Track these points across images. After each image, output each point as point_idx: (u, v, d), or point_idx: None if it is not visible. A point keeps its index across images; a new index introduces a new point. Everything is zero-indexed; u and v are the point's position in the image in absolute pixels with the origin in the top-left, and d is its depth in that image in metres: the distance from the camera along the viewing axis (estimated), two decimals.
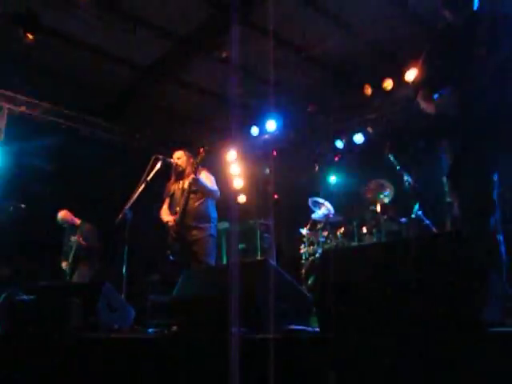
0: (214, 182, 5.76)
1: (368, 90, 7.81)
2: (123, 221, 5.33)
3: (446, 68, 3.36)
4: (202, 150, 5.45)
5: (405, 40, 6.94)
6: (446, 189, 3.49)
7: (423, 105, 3.51)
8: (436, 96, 3.40)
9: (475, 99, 3.12)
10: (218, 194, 5.69)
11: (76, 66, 7.70)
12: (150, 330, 3.89)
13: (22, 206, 7.71)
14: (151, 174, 5.39)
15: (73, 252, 7.34)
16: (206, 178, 5.64)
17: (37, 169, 7.98)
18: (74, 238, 7.37)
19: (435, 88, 3.42)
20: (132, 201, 5.31)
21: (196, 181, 5.39)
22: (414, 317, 2.29)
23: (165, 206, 5.72)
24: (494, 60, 3.13)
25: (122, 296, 4.81)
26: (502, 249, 3.10)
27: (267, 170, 9.41)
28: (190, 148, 5.95)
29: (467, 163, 3.16)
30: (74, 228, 7.61)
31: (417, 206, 6.44)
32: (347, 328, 2.46)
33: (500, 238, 3.13)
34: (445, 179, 3.43)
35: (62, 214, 7.64)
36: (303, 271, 7.13)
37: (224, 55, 7.37)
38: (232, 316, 3.02)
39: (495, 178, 3.17)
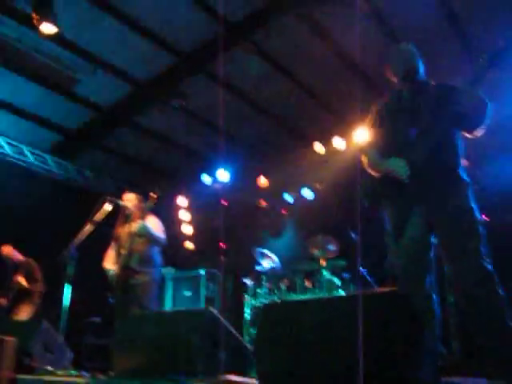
0: (161, 227, 5.76)
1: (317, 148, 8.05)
2: (67, 259, 5.25)
3: (391, 134, 3.52)
4: (151, 194, 5.47)
5: (351, 96, 7.24)
6: (388, 248, 3.61)
7: (368, 165, 3.65)
8: (380, 158, 3.55)
9: (419, 166, 3.27)
10: (164, 241, 5.69)
11: (34, 102, 7.67)
12: (85, 374, 3.81)
13: None
14: (99, 215, 5.35)
15: (13, 291, 7.14)
16: (154, 224, 5.63)
17: None
18: (15, 278, 7.18)
19: (380, 152, 3.57)
20: (78, 239, 5.25)
21: (143, 227, 5.39)
22: (349, 373, 2.34)
23: (110, 251, 5.66)
24: (439, 130, 3.31)
25: (61, 336, 4.70)
26: (437, 308, 3.22)
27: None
28: (141, 192, 5.96)
29: (406, 225, 3.29)
30: (16, 265, 7.42)
31: (360, 263, 6.57)
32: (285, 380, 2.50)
33: (435, 297, 3.25)
34: (387, 239, 3.55)
35: (6, 250, 7.47)
36: (246, 322, 7.11)
37: (182, 103, 7.47)
38: (170, 363, 3.01)
39: (432, 239, 3.32)
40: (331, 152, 8.26)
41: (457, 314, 4.94)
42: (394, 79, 3.66)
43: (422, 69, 3.60)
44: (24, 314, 7.13)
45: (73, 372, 3.90)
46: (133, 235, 5.40)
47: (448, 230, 3.19)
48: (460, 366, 4.56)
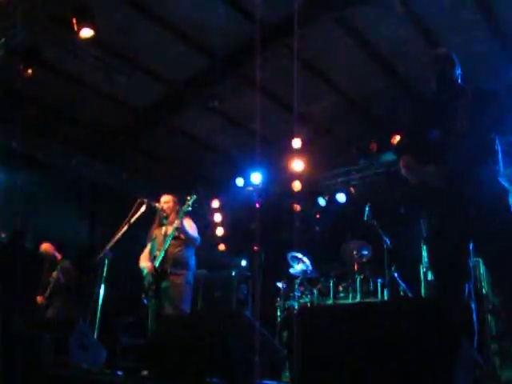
0: (196, 229, 5.80)
1: (373, 146, 7.99)
2: (102, 260, 5.34)
3: (429, 139, 3.48)
4: (188, 197, 5.53)
5: (392, 103, 7.21)
6: (424, 254, 3.57)
7: (404, 171, 3.62)
8: (417, 163, 3.51)
9: (457, 173, 3.23)
10: (199, 241, 5.73)
11: (71, 103, 7.80)
12: (119, 373, 3.85)
13: (2, 235, 7.66)
14: (134, 217, 5.43)
15: (50, 287, 7.27)
16: (189, 226, 5.68)
17: (22, 198, 7.97)
18: (53, 274, 7.30)
19: (415, 156, 3.54)
20: (113, 241, 5.33)
21: (180, 228, 5.43)
22: (383, 380, 2.32)
23: (146, 251, 5.73)
24: (476, 135, 3.26)
25: (95, 335, 4.77)
26: (474, 317, 3.17)
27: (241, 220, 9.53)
28: (177, 194, 6.01)
29: (445, 232, 3.25)
30: (54, 263, 7.55)
31: (393, 268, 6.52)
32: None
33: (473, 305, 3.20)
34: (422, 245, 3.52)
35: (45, 247, 7.60)
36: (278, 325, 7.11)
37: (216, 104, 7.52)
38: (205, 365, 3.03)
39: (470, 247, 3.27)
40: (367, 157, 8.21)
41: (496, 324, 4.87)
42: (433, 84, 3.63)
43: (458, 73, 3.56)
44: (60, 310, 7.24)
45: (107, 371, 3.95)
46: (168, 237, 5.45)
47: (489, 241, 3.14)
48: (498, 376, 4.51)
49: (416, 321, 2.39)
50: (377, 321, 2.50)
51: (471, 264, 3.28)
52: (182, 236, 5.57)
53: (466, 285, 3.21)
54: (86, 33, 5.87)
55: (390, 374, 2.30)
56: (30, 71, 6.15)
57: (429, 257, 3.43)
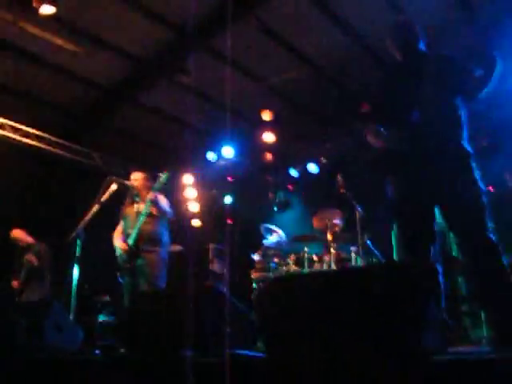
0: (168, 204, 5.80)
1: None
2: (75, 240, 5.31)
3: (394, 107, 3.51)
4: (161, 174, 5.51)
5: (360, 71, 7.22)
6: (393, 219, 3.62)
7: (370, 138, 3.65)
8: (382, 130, 3.54)
9: (421, 138, 3.27)
10: (171, 215, 5.74)
11: (36, 85, 7.66)
12: (97, 352, 3.88)
13: None
14: (105, 195, 5.40)
15: (25, 271, 7.22)
16: (162, 200, 5.68)
17: None
18: (26, 258, 7.25)
19: (381, 123, 3.57)
20: (85, 221, 5.30)
21: (153, 200, 5.42)
22: (353, 345, 2.37)
23: (118, 228, 5.71)
24: (440, 101, 3.30)
25: (71, 316, 4.77)
26: (441, 278, 3.24)
27: (213, 191, 9.51)
28: (148, 170, 5.98)
29: (410, 195, 3.30)
30: (26, 247, 7.49)
31: (366, 236, 6.61)
32: (289, 353, 2.53)
33: (439, 267, 3.27)
34: (391, 210, 3.56)
35: (16, 233, 7.53)
36: (254, 297, 7.18)
37: (184, 78, 7.44)
38: (179, 339, 3.06)
39: (435, 211, 3.33)
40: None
41: (466, 286, 4.98)
42: (396, 53, 3.64)
43: (421, 40, 3.58)
44: (35, 293, 7.22)
45: (84, 351, 3.97)
46: (141, 215, 5.44)
47: (452, 203, 3.20)
48: (468, 336, 4.63)
49: (384, 284, 2.43)
50: (346, 285, 2.55)
51: (437, 227, 3.34)
52: (155, 212, 5.57)
53: (432, 247, 3.28)
54: (47, 9, 5.74)
55: (360, 338, 2.34)
56: None
57: (395, 220, 3.47)
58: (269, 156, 8.95)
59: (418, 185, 3.28)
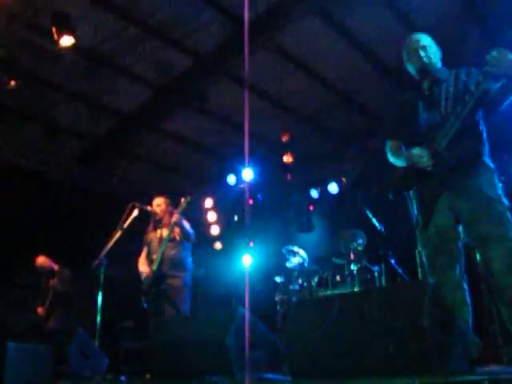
0: (190, 227, 5.83)
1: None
2: (98, 267, 5.35)
3: (413, 124, 3.50)
4: (183, 199, 5.54)
5: (377, 91, 7.23)
6: (417, 238, 3.58)
7: (391, 156, 3.64)
8: (404, 148, 3.53)
9: (442, 154, 3.24)
10: (194, 236, 5.76)
11: (55, 111, 7.78)
12: (123, 378, 3.87)
13: None
14: (127, 222, 5.44)
15: (50, 297, 7.28)
16: (185, 223, 5.71)
17: (10, 211, 7.97)
18: (51, 284, 7.31)
19: (401, 140, 3.56)
20: (108, 248, 5.34)
21: (178, 223, 5.45)
22: (383, 365, 2.34)
23: (143, 255, 5.74)
24: (459, 117, 3.27)
25: (96, 342, 4.78)
26: (467, 296, 3.19)
27: (235, 218, 9.52)
28: (169, 195, 6.01)
29: (432, 214, 3.27)
30: (51, 273, 7.55)
31: (389, 255, 6.56)
32: (317, 376, 2.51)
33: (465, 285, 3.22)
34: (415, 229, 3.53)
35: (41, 261, 7.59)
36: (278, 319, 7.14)
37: (201, 103, 7.52)
38: (205, 364, 3.05)
39: (459, 228, 3.29)
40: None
41: (491, 303, 4.88)
42: (413, 71, 3.64)
43: (438, 58, 3.56)
44: (61, 320, 7.25)
45: (109, 377, 3.97)
46: (164, 240, 5.46)
47: (475, 219, 3.15)
48: (497, 354, 4.53)
49: (410, 305, 2.41)
50: (373, 306, 2.53)
51: (461, 246, 3.30)
52: (178, 237, 5.59)
53: (457, 265, 3.23)
54: (67, 41, 5.86)
55: (385, 358, 2.32)
56: (13, 83, 6.14)
57: (418, 239, 3.43)
58: (289, 177, 8.96)
59: (439, 201, 3.25)
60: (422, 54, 3.50)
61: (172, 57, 6.86)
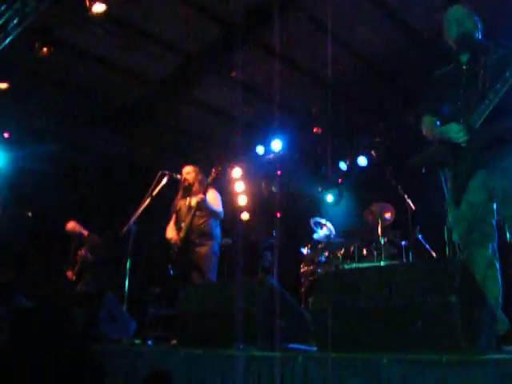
0: (220, 201, 5.83)
1: None
2: (127, 234, 5.41)
3: (450, 99, 3.43)
4: (214, 170, 5.54)
5: (411, 64, 7.09)
6: (448, 215, 3.55)
7: (425, 131, 3.58)
8: (438, 123, 3.47)
9: (477, 130, 3.18)
10: (222, 215, 5.78)
11: (88, 80, 7.81)
12: (150, 343, 3.94)
13: (29, 214, 7.77)
14: (157, 189, 5.48)
15: (79, 265, 7.40)
16: (213, 198, 5.71)
17: (44, 177, 8.09)
18: (80, 252, 7.42)
19: (436, 115, 3.50)
20: (137, 214, 5.40)
21: (203, 202, 5.47)
22: (410, 340, 2.34)
23: (171, 223, 5.79)
24: (497, 92, 3.18)
25: (124, 307, 4.87)
26: (499, 275, 3.16)
27: (273, 188, 9.48)
28: (199, 164, 6.03)
29: (465, 191, 3.22)
30: (81, 239, 7.66)
31: (417, 231, 6.51)
32: (344, 347, 2.52)
33: (497, 264, 3.18)
34: (446, 205, 3.49)
35: (71, 225, 7.70)
36: (303, 290, 7.18)
37: (232, 73, 7.47)
38: (231, 333, 3.08)
39: (494, 206, 3.24)
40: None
41: None
42: (452, 43, 3.54)
43: (478, 30, 3.46)
44: (90, 285, 7.39)
45: (137, 341, 4.04)
46: (192, 209, 5.50)
47: (509, 198, 3.10)
48: None
49: (440, 281, 2.39)
50: (400, 281, 2.52)
51: (494, 223, 3.25)
52: (207, 210, 5.62)
53: (490, 244, 3.19)
54: (98, 8, 5.86)
55: (415, 334, 2.32)
56: (45, 50, 6.18)
57: (452, 217, 3.38)
58: (318, 149, 8.90)
59: (473, 178, 3.20)
60: (462, 23, 3.41)
61: (203, 24, 6.81)
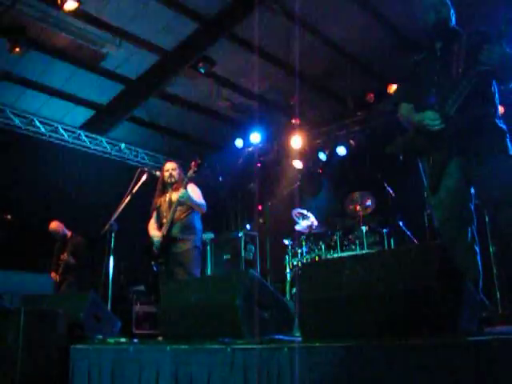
0: (201, 194, 5.81)
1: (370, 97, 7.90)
2: (108, 232, 5.38)
3: (425, 86, 3.44)
4: (193, 163, 5.50)
5: (385, 53, 7.13)
6: (427, 200, 3.57)
7: (402, 119, 3.60)
8: (415, 111, 3.49)
9: (453, 117, 3.20)
10: (205, 208, 5.74)
11: (62, 80, 7.73)
12: (135, 340, 3.92)
13: (8, 216, 7.67)
14: (136, 187, 5.45)
15: (62, 266, 7.35)
16: (193, 191, 5.68)
17: (23, 179, 8.02)
18: (63, 256, 7.36)
19: (415, 105, 3.51)
20: (117, 212, 5.37)
21: (184, 195, 5.43)
22: (391, 326, 2.36)
23: (152, 220, 5.76)
24: (471, 79, 3.20)
25: (108, 306, 4.85)
26: (479, 259, 3.19)
27: (252, 185, 9.48)
28: (178, 160, 6.01)
29: (442, 177, 3.25)
30: (64, 240, 7.60)
31: (398, 218, 6.57)
32: (328, 338, 2.53)
33: (477, 248, 3.22)
34: (425, 192, 3.51)
35: (54, 225, 7.64)
36: (287, 282, 7.20)
37: (207, 67, 7.44)
38: (216, 326, 3.09)
39: (472, 191, 3.27)
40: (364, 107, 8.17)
41: (500, 265, 4.89)
42: (428, 29, 3.55)
43: (453, 17, 3.48)
44: (73, 286, 7.34)
45: (123, 339, 4.02)
46: (173, 204, 5.47)
47: (487, 181, 3.13)
48: (505, 316, 4.55)
49: (420, 266, 2.41)
50: (381, 268, 2.53)
51: (472, 208, 3.28)
52: (189, 203, 5.59)
53: (469, 228, 3.22)
54: (70, 5, 5.81)
55: (395, 320, 2.34)
56: (17, 49, 6.09)
57: (430, 203, 3.41)
58: (297, 140, 8.91)
59: (450, 164, 3.23)
60: (439, 10, 3.42)
61: (176, 21, 6.75)
